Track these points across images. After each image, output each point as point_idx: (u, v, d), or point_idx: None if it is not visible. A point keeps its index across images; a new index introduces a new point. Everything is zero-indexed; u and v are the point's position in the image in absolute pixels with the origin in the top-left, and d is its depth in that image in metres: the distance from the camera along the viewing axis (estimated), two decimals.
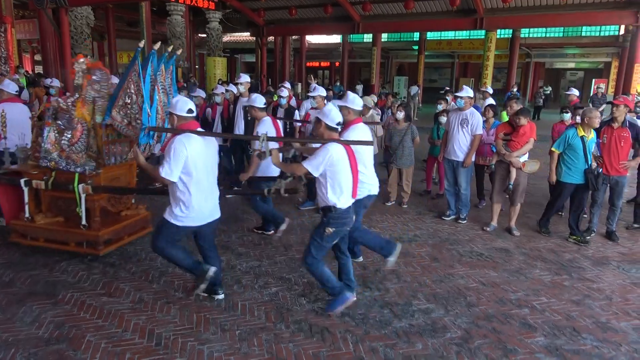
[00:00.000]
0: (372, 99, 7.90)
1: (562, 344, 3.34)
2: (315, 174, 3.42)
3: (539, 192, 7.46)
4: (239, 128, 6.65)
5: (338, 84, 22.81)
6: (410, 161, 6.70)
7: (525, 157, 5.63)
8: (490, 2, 14.17)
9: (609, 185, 5.50)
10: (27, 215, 4.67)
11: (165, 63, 4.64)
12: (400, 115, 6.66)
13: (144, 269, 4.45)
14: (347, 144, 3.53)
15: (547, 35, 22.52)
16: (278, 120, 5.53)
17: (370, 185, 4.14)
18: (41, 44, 13.62)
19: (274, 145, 4.31)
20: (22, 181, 4.53)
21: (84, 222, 4.45)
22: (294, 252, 4.93)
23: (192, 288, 3.82)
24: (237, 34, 27.78)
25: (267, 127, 4.94)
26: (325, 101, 6.40)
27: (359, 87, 20.43)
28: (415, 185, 7.70)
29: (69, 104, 4.43)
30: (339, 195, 3.48)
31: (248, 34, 22.86)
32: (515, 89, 17.78)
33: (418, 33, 24.10)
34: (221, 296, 3.87)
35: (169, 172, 3.32)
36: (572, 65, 27.47)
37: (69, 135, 4.38)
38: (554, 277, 4.49)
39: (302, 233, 5.52)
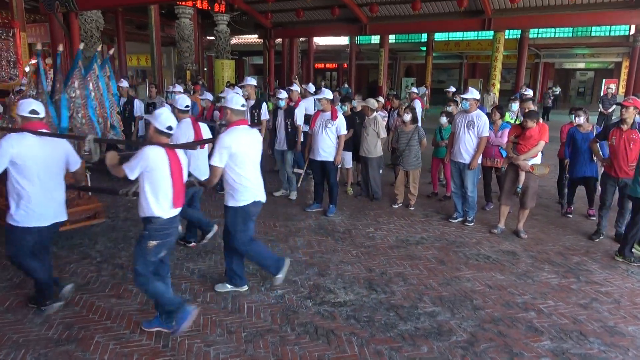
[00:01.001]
0: (379, 100, 7.89)
1: (569, 348, 3.33)
2: (131, 177, 3.22)
3: (546, 194, 7.42)
4: None
5: (346, 85, 22.81)
6: (417, 163, 6.69)
7: (536, 160, 5.53)
8: (498, 2, 14.09)
9: (617, 187, 5.45)
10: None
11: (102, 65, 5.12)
12: (408, 117, 6.66)
13: None
14: (171, 147, 3.33)
15: (557, 35, 22.32)
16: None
17: (255, 190, 3.89)
18: (52, 48, 13.78)
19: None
20: None
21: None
22: (300, 255, 4.95)
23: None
24: (245, 36, 27.89)
25: (186, 128, 4.75)
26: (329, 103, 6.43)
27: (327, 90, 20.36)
28: (423, 187, 7.70)
29: (15, 100, 4.79)
30: (160, 204, 3.23)
31: (256, 36, 22.87)
32: (524, 90, 17.67)
33: (426, 34, 24.02)
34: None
35: None
36: (582, 65, 27.23)
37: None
38: (561, 280, 4.46)
39: (308, 235, 5.54)
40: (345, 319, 3.69)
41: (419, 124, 7.16)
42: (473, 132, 5.81)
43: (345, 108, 7.04)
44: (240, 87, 7.17)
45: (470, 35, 24.15)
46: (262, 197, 3.97)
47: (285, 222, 6.02)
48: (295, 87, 7.31)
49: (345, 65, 29.38)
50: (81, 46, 5.11)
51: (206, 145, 4.83)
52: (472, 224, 6.01)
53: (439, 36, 24.98)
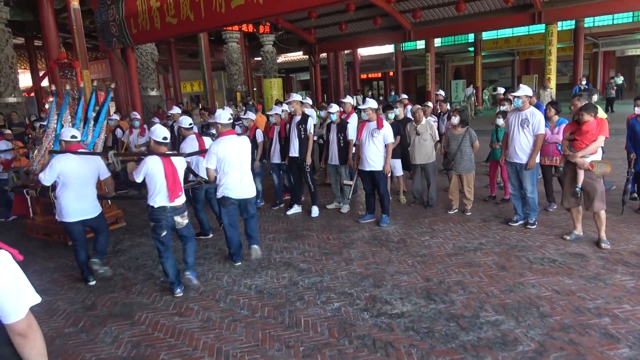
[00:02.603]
0: (428, 105, 7.78)
1: None
2: (138, 180, 4.29)
3: (616, 190, 6.93)
4: (294, 145, 6.79)
5: (393, 93, 22.68)
6: (471, 166, 6.49)
7: (595, 157, 5.05)
8: None
9: None
10: (31, 215, 6.67)
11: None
12: (456, 120, 6.50)
13: (212, 289, 4.63)
14: (165, 156, 4.34)
15: (615, 22, 21.05)
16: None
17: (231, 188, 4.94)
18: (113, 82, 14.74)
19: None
20: (24, 191, 6.40)
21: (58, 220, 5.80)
22: (355, 267, 4.91)
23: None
24: (290, 54, 28.53)
25: (191, 141, 5.88)
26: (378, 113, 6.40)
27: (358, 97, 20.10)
28: (479, 191, 7.45)
29: (40, 131, 6.57)
30: (154, 197, 4.30)
31: (301, 52, 23.35)
32: (584, 82, 16.76)
33: (473, 34, 23.43)
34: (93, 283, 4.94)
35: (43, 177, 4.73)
36: None
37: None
38: (638, 282, 4.13)
39: (362, 246, 5.50)
40: (403, 330, 3.61)
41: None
42: (528, 130, 5.56)
43: (391, 116, 6.98)
44: (287, 104, 7.29)
45: (521, 30, 23.22)
46: (237, 195, 5.00)
47: (339, 235, 6.01)
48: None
49: (392, 73, 29.21)
50: (95, 83, 7.09)
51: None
52: (535, 226, 5.72)
53: (486, 35, 24.31)
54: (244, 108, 14.37)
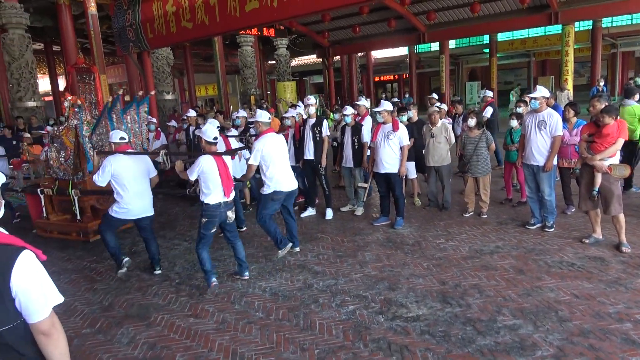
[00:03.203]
0: (441, 107, 7.71)
1: None
2: (192, 179, 4.52)
3: (635, 193, 6.80)
4: (309, 148, 6.80)
5: (407, 95, 22.58)
6: (487, 169, 6.42)
7: (614, 160, 4.93)
8: None
9: None
10: (44, 215, 6.69)
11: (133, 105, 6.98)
12: (472, 122, 6.44)
13: (227, 290, 4.65)
14: (217, 155, 4.54)
15: (634, 22, 20.67)
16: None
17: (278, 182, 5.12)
18: (129, 86, 14.96)
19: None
20: (38, 190, 6.51)
21: (78, 217, 6.33)
22: (370, 269, 4.89)
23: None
24: (304, 57, 28.58)
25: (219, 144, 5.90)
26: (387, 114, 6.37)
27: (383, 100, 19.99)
28: (495, 193, 7.36)
29: (60, 131, 6.46)
30: (208, 194, 4.48)
31: (314, 56, 23.38)
32: (602, 83, 16.49)
33: (488, 35, 23.21)
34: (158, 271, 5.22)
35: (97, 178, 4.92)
36: None
37: (64, 154, 6.43)
38: None
39: (377, 249, 5.47)
40: (419, 334, 3.57)
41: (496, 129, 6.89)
42: (545, 132, 5.48)
43: (404, 118, 6.95)
44: (306, 106, 7.32)
45: (537, 31, 22.94)
46: (282, 188, 5.16)
47: (353, 237, 5.99)
48: (299, 110, 7.44)
49: (406, 76, 29.10)
50: (120, 91, 7.15)
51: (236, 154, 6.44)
52: (553, 229, 5.63)
53: (502, 36, 24.05)
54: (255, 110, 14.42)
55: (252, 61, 19.80)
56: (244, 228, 6.56)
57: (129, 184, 4.89)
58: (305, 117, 7.17)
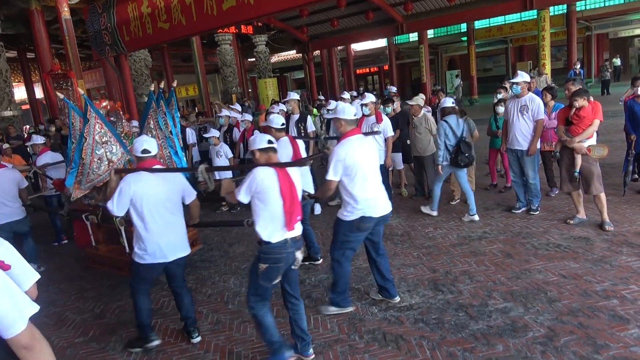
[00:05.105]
0: (422, 97, 7.76)
1: None
2: (244, 201, 3.10)
3: (616, 172, 6.94)
4: None
5: (389, 86, 22.63)
6: None
7: (591, 141, 5.08)
8: None
9: None
10: (93, 244, 5.27)
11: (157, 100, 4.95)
12: None
13: (219, 291, 4.64)
14: (280, 167, 3.10)
15: (607, 4, 21.01)
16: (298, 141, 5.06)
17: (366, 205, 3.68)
18: (107, 90, 14.74)
19: (228, 174, 4.49)
20: (83, 216, 5.04)
21: (127, 250, 4.67)
22: (361, 262, 4.91)
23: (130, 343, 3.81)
24: (284, 53, 28.47)
25: (285, 145, 4.68)
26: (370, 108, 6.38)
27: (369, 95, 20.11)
28: (480, 180, 7.45)
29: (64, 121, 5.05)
30: (269, 228, 3.07)
31: (294, 51, 23.32)
32: (578, 66, 16.75)
33: (465, 24, 23.36)
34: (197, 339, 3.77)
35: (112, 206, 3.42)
36: (639, 31, 25.38)
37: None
38: None
39: None
40: (413, 322, 3.62)
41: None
42: (527, 116, 5.56)
43: (388, 110, 6.97)
44: (284, 103, 7.31)
45: (513, 17, 23.19)
46: (373, 213, 3.71)
47: None
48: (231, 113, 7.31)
49: (386, 67, 29.18)
50: (152, 87, 5.10)
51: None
52: (538, 212, 5.73)
53: (479, 24, 24.19)
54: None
55: (231, 59, 19.65)
56: (320, 260, 5.08)
57: (157, 214, 3.47)
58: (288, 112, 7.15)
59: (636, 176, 6.38)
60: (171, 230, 3.54)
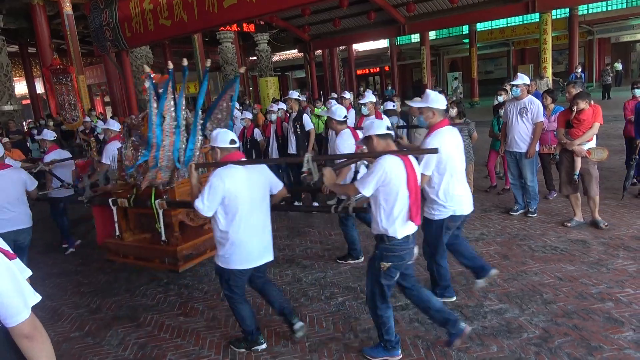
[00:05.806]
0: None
1: None
2: (367, 194, 2.89)
3: (614, 175, 6.95)
4: (291, 143, 6.81)
5: (389, 87, 22.67)
6: (470, 158, 6.48)
7: (591, 144, 5.12)
8: None
9: None
10: (117, 233, 4.89)
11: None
12: (454, 112, 6.50)
13: (216, 288, 4.63)
14: (405, 154, 2.90)
15: (609, 8, 21.02)
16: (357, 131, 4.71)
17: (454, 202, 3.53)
18: (108, 86, 14.74)
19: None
20: (110, 200, 4.71)
21: (163, 238, 4.47)
22: (361, 262, 4.92)
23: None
24: (285, 52, 28.47)
25: (347, 138, 4.53)
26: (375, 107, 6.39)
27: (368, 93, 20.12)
28: (479, 182, 7.46)
29: (140, 119, 4.52)
30: (394, 222, 2.88)
31: (296, 50, 23.33)
32: (579, 70, 16.75)
33: (467, 26, 23.38)
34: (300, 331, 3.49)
35: (201, 205, 3.06)
36: None
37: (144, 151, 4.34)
38: (639, 266, 4.14)
39: (365, 241, 5.47)
40: (408, 322, 3.62)
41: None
42: (527, 118, 5.56)
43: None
44: (284, 102, 7.32)
45: (515, 20, 23.24)
46: (463, 210, 3.59)
47: (340, 230, 5.99)
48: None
49: (387, 68, 29.18)
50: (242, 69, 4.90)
51: None
52: (535, 214, 5.73)
53: (481, 26, 24.23)
54: (240, 107, 14.33)
55: (233, 58, 19.65)
56: (362, 258, 4.94)
57: (250, 213, 3.15)
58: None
59: (635, 181, 6.38)
60: (262, 231, 3.27)
